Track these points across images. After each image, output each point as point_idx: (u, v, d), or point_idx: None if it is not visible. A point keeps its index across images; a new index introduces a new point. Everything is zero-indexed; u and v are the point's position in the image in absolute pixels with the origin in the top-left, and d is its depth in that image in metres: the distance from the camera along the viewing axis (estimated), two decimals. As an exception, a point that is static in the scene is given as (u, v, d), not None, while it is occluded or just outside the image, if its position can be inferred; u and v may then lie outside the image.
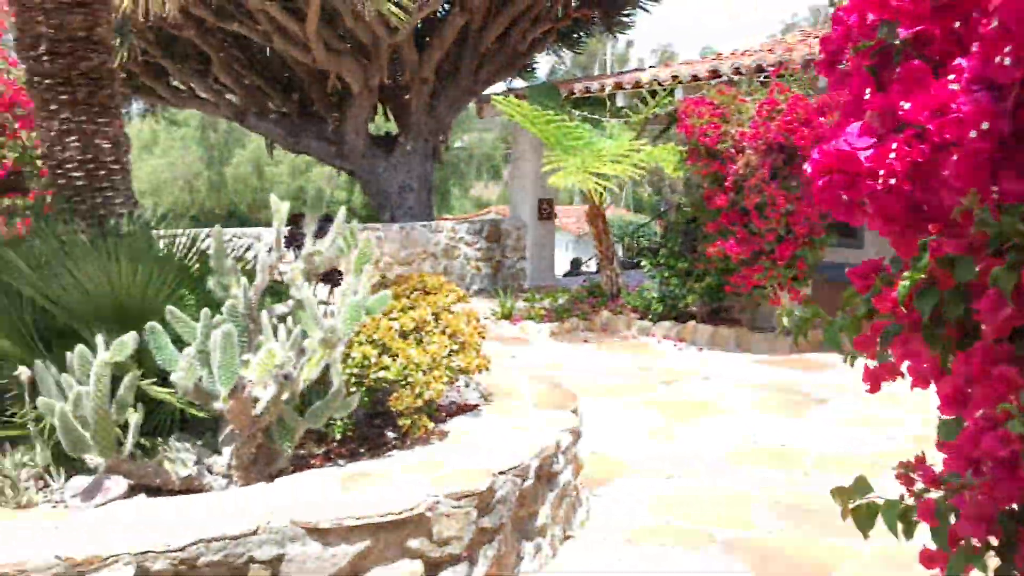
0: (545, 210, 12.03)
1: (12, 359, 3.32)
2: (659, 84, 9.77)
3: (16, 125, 7.69)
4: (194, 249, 3.88)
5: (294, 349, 3.22)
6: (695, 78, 9.40)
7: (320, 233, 3.60)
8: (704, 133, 7.95)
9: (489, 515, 3.14)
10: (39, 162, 7.81)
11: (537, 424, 3.87)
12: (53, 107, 3.97)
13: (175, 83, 13.25)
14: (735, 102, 8.15)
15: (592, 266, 18.53)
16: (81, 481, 3.17)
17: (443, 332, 3.89)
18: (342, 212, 3.50)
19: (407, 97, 12.35)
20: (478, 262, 11.52)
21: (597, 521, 4.09)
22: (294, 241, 7.12)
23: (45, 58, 3.93)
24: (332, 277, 5.70)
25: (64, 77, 3.95)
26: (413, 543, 2.92)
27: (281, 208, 3.25)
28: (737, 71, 9.04)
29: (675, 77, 9.69)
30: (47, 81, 3.96)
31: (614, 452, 5.13)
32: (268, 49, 12.72)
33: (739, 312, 8.74)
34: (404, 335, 3.78)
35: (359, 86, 11.68)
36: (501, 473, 3.25)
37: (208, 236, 3.85)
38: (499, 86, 14.44)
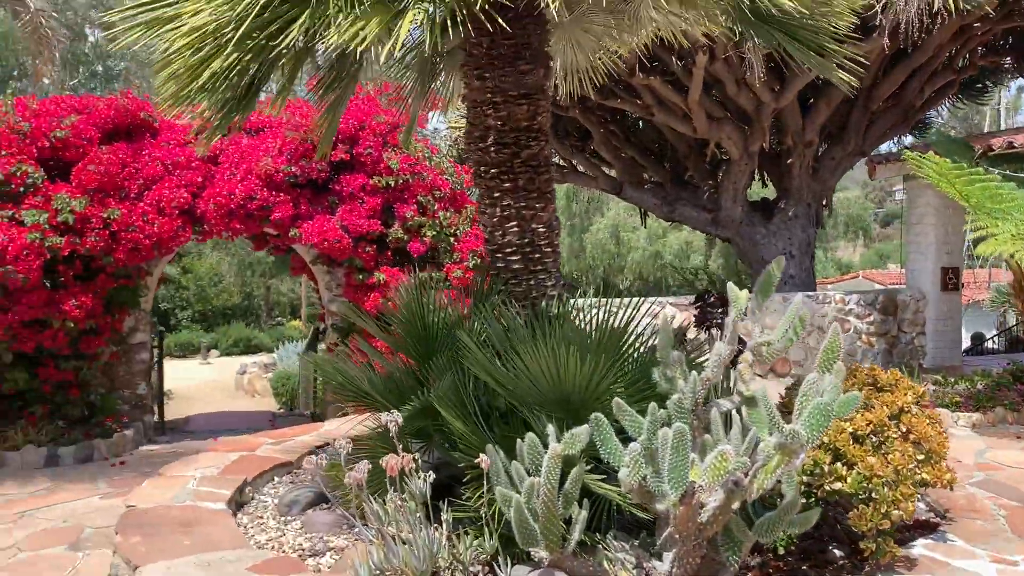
0: (951, 280, 10.60)
1: (465, 441, 3.41)
2: (1112, 132, 8.18)
3: (436, 207, 8.54)
4: (629, 331, 3.76)
5: (747, 453, 2.91)
6: None
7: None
8: None
9: None
10: (452, 239, 8.57)
11: (1031, 560, 3.15)
12: (496, 194, 4.17)
13: (556, 159, 14.01)
14: None
15: (999, 343, 16.19)
16: (523, 572, 3.12)
17: (904, 438, 3.33)
18: (798, 297, 3.14)
19: (788, 161, 11.77)
20: (870, 336, 10.44)
21: None
22: (705, 321, 6.94)
23: (492, 148, 4.15)
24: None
25: (507, 165, 4.14)
26: None
27: (740, 297, 2.99)
28: None
29: None
30: (492, 170, 4.18)
31: (1105, 594, 4.09)
32: (641, 122, 12.93)
33: None
34: (858, 439, 3.30)
35: (738, 152, 11.38)
36: (1006, 627, 2.62)
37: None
38: (886, 145, 13.28)
